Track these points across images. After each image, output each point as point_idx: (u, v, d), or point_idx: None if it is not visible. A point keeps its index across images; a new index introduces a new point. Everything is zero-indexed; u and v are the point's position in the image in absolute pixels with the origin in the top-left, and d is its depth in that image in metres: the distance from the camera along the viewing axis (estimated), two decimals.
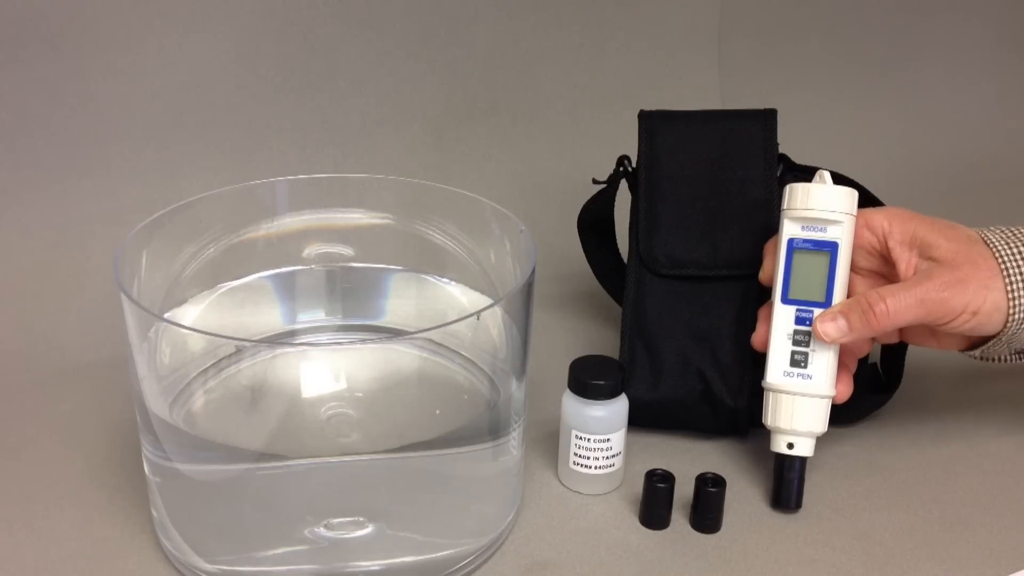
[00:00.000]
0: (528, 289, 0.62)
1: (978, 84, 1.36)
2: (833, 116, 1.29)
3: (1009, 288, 0.66)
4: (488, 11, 1.08)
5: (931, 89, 1.34)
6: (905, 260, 0.69)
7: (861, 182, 0.79)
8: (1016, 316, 0.66)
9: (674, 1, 1.18)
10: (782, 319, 0.70)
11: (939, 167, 1.30)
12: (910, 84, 1.33)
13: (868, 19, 1.29)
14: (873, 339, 0.73)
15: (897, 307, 0.66)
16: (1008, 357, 0.72)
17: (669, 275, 0.79)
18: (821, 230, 0.69)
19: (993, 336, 0.68)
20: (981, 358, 0.72)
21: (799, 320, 0.69)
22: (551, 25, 1.12)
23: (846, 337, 0.68)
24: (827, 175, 0.70)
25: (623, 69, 1.17)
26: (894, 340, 0.74)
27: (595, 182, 0.84)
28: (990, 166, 1.31)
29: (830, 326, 0.68)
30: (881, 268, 0.72)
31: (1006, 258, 0.67)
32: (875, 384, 0.81)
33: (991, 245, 0.68)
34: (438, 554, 0.61)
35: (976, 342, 0.71)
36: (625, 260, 0.84)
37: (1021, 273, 0.66)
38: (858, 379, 0.73)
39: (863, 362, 0.80)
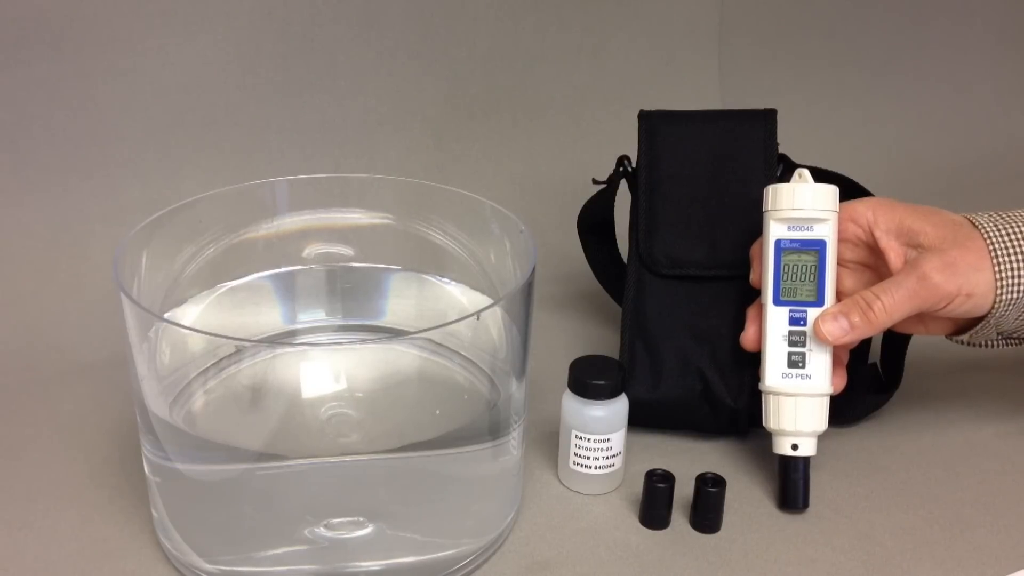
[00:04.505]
0: (528, 289, 0.62)
1: (978, 84, 1.36)
2: (833, 116, 1.29)
3: (997, 269, 0.66)
4: (488, 11, 1.08)
5: (931, 89, 1.34)
6: (894, 250, 0.69)
7: (860, 182, 0.79)
8: (1003, 297, 0.67)
9: (674, 1, 1.18)
10: (776, 321, 0.70)
11: (939, 167, 1.30)
12: (910, 84, 1.33)
13: (868, 19, 1.29)
14: None
15: (893, 303, 0.67)
16: (995, 342, 0.72)
17: (669, 275, 0.79)
18: (808, 229, 0.69)
19: (982, 318, 0.68)
20: (968, 343, 0.72)
21: (793, 321, 0.69)
22: (551, 25, 1.12)
23: (848, 336, 0.68)
24: (807, 173, 0.70)
25: (623, 69, 1.17)
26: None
27: (595, 182, 0.84)
28: (990, 166, 1.31)
29: (832, 326, 0.68)
30: (867, 259, 0.72)
31: (994, 239, 0.67)
32: (875, 384, 0.81)
33: (980, 227, 0.68)
34: (438, 554, 0.61)
35: (963, 326, 0.71)
36: (625, 260, 0.84)
37: (1009, 255, 0.66)
38: (858, 379, 0.73)
39: (863, 362, 0.80)
